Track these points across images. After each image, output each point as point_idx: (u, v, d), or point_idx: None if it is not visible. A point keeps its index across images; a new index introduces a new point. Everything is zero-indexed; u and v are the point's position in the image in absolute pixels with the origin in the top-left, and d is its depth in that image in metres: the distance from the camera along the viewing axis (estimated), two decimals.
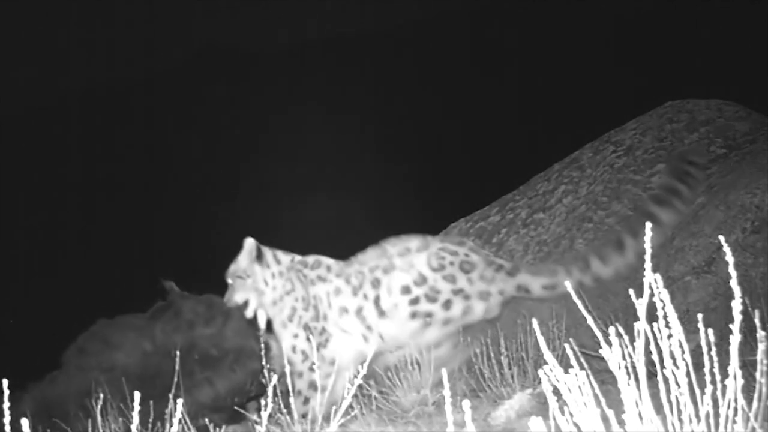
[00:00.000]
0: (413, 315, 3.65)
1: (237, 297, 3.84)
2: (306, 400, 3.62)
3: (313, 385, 3.60)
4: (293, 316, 3.77)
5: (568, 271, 3.75)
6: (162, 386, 3.80)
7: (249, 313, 3.88)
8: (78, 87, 39.00)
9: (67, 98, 38.62)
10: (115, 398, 3.61)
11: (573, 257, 4.53)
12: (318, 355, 3.65)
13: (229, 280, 3.90)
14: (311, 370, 3.62)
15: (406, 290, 3.67)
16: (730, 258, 1.63)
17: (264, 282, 3.82)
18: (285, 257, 3.93)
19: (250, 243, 3.90)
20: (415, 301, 3.67)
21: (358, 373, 2.48)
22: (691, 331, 1.77)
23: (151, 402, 3.51)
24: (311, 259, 3.93)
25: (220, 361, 3.95)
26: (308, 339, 3.70)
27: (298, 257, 3.96)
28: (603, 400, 1.52)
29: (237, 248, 3.92)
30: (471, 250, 3.81)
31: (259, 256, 3.85)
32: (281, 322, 3.79)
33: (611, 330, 1.57)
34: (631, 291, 1.75)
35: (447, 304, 3.64)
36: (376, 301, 3.71)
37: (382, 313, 3.68)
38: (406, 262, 3.73)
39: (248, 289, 3.83)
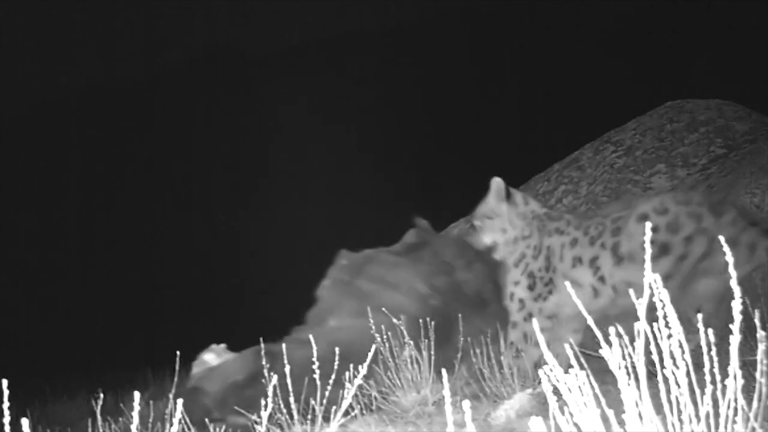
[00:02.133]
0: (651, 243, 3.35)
1: (486, 238, 3.74)
2: (518, 353, 3.48)
3: (526, 338, 3.46)
4: (520, 262, 3.63)
5: None
6: (444, 331, 3.56)
7: (497, 256, 3.77)
8: (78, 87, 38.99)
9: (69, 98, 38.61)
10: (397, 343, 3.35)
11: None
12: (536, 306, 3.51)
13: (477, 222, 3.79)
14: (526, 320, 3.49)
15: (643, 217, 3.36)
16: (729, 258, 1.63)
17: (509, 222, 3.70)
18: (533, 202, 3.82)
19: (497, 182, 3.77)
20: (654, 230, 3.33)
21: (359, 372, 2.46)
22: (691, 331, 1.78)
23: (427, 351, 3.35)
24: (555, 213, 3.82)
25: (484, 309, 3.73)
26: (530, 287, 3.55)
27: (545, 209, 3.84)
28: (603, 400, 1.53)
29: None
30: (726, 202, 3.55)
31: (508, 196, 3.73)
32: (507, 267, 3.67)
33: (611, 330, 1.57)
34: (631, 291, 1.75)
35: (688, 240, 3.30)
36: (615, 248, 3.44)
37: (619, 260, 3.42)
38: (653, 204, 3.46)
39: (496, 230, 3.72)
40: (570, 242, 3.57)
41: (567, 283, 3.34)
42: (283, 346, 3.16)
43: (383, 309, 3.57)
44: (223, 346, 3.98)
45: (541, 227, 3.69)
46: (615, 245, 3.45)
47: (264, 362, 3.33)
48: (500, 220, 3.71)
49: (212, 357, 3.87)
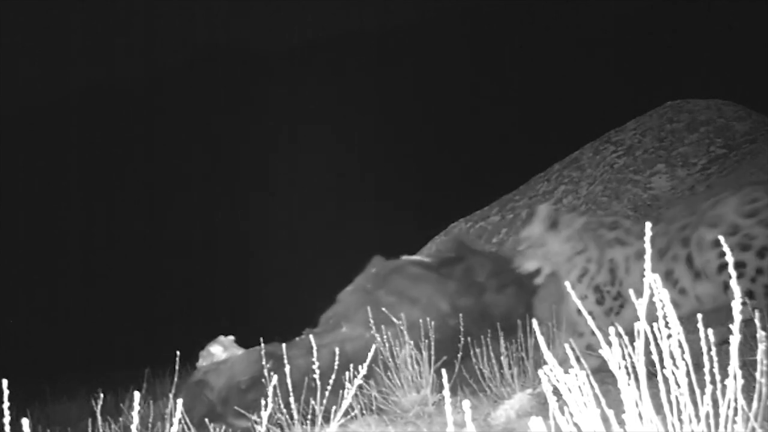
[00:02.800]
0: (721, 268, 3.18)
1: (528, 265, 3.66)
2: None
3: (592, 348, 3.29)
4: (583, 277, 3.51)
5: None
6: (455, 351, 3.49)
7: (539, 281, 3.69)
8: (78, 87, 39.00)
9: (69, 98, 38.62)
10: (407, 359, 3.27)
11: None
12: (608, 321, 3.36)
13: (520, 247, 3.70)
14: (593, 334, 3.31)
15: (716, 244, 3.17)
16: (729, 258, 1.63)
17: (556, 250, 3.58)
18: (579, 219, 3.68)
19: (543, 210, 3.66)
20: (723, 255, 3.23)
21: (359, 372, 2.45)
22: (691, 331, 1.78)
23: (430, 367, 3.27)
24: (609, 219, 3.68)
25: (510, 334, 3.62)
26: (598, 302, 3.43)
27: (594, 217, 3.70)
28: (603, 400, 1.53)
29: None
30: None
31: (553, 225, 3.61)
32: (570, 284, 3.39)
33: (611, 330, 1.57)
34: (631, 291, 1.75)
35: (762, 252, 3.12)
36: (688, 260, 3.27)
37: (697, 275, 3.24)
38: (715, 215, 3.29)
39: (540, 257, 3.62)
40: (635, 254, 3.45)
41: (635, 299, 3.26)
42: (284, 347, 3.15)
43: (397, 321, 3.53)
44: (230, 338, 3.91)
45: (596, 237, 3.57)
46: (688, 257, 3.30)
47: (267, 364, 3.31)
48: (545, 249, 3.63)
49: (219, 349, 3.80)
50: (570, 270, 3.56)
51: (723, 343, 1.84)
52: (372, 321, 3.56)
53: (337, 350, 3.06)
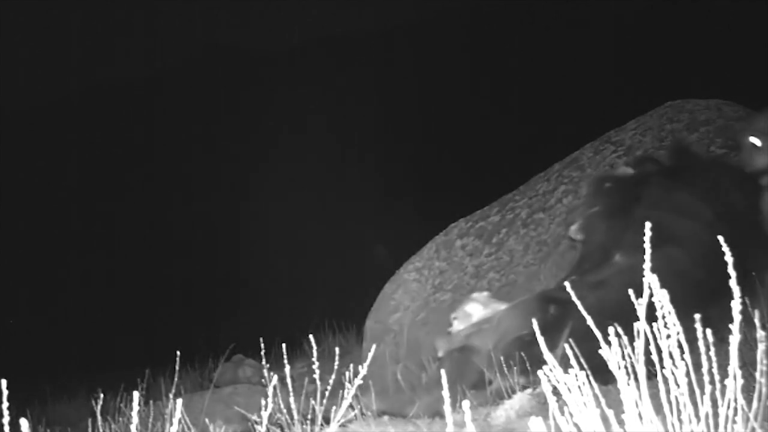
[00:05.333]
0: None
1: (761, 160, 3.28)
2: None
3: None
4: None
5: None
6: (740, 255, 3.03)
7: (766, 182, 3.28)
8: (78, 87, 38.99)
9: (69, 98, 38.61)
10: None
11: None
12: None
13: (756, 141, 3.32)
14: None
15: None
16: (729, 258, 1.63)
17: None
18: None
19: None
20: None
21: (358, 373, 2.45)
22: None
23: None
24: None
25: (764, 240, 3.15)
26: None
27: None
28: (603, 400, 1.53)
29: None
30: None
31: None
32: None
33: (611, 330, 1.58)
34: (630, 291, 1.75)
35: None
36: None
37: None
38: None
39: None
40: None
41: None
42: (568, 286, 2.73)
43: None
44: (485, 294, 3.38)
45: None
46: None
47: (551, 310, 2.90)
48: None
49: (478, 308, 3.24)
50: None
51: None
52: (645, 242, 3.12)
53: (631, 285, 2.61)
